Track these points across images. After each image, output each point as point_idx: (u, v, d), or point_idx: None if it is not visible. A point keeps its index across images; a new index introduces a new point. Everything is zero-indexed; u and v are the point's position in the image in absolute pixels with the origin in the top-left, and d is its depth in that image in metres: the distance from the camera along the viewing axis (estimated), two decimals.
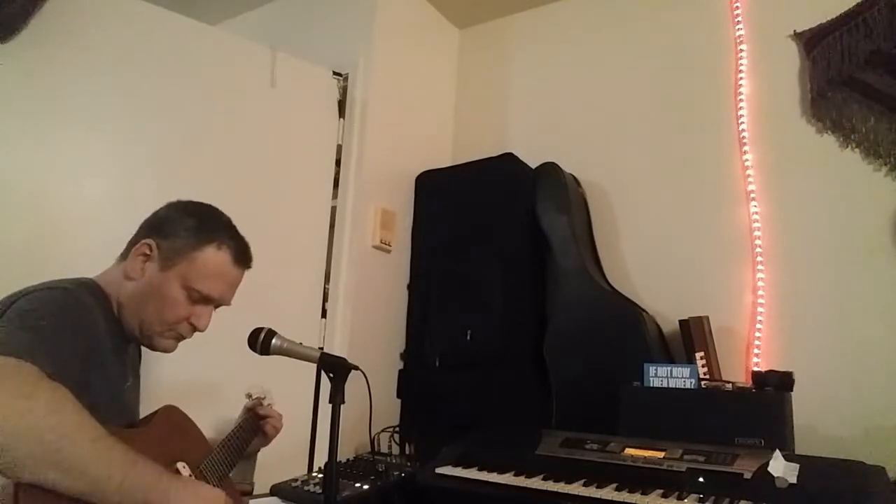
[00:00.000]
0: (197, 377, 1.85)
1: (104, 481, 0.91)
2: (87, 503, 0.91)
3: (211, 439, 1.45)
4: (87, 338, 1.11)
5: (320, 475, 1.75)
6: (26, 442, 0.86)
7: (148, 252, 1.25)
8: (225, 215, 1.36)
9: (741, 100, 2.20)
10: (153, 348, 1.29)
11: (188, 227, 1.27)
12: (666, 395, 1.73)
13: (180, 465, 1.24)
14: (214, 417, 1.61)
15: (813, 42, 2.09)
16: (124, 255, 1.29)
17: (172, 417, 1.34)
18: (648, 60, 2.44)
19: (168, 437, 1.27)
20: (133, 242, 1.29)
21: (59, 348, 1.01)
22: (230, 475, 1.44)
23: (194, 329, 1.30)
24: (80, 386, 0.99)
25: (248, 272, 1.37)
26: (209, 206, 1.35)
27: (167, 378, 1.72)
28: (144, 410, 1.36)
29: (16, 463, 0.86)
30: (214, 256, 1.27)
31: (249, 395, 1.62)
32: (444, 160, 2.71)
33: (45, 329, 1.01)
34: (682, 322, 1.96)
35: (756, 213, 2.10)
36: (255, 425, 1.57)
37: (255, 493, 1.64)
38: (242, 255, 1.33)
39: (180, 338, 1.31)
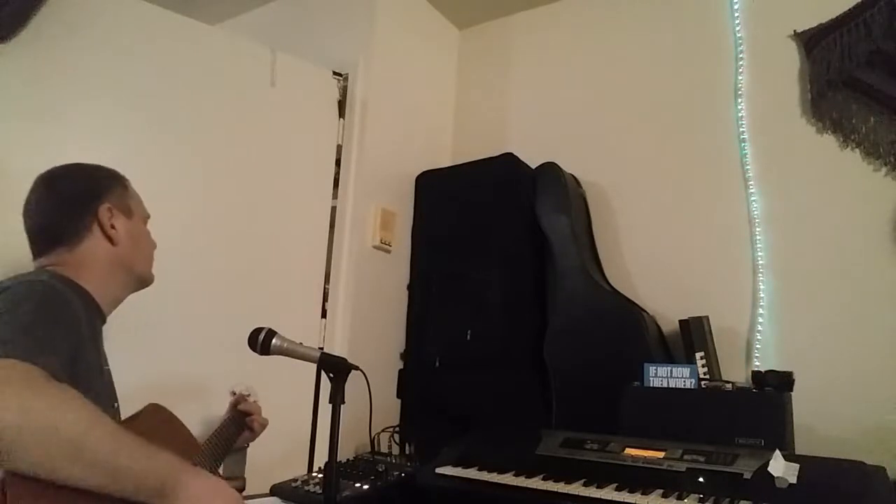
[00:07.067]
0: (198, 377, 1.84)
1: (124, 472, 0.92)
2: (74, 489, 0.90)
3: (200, 435, 1.45)
4: (74, 331, 1.11)
5: (320, 475, 1.74)
6: (47, 441, 0.87)
7: (111, 214, 1.31)
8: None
9: (741, 100, 2.20)
10: (149, 283, 1.39)
11: (100, 178, 1.36)
12: (666, 395, 1.73)
13: None
14: (215, 417, 1.62)
15: (813, 42, 2.09)
16: (49, 246, 1.29)
17: (159, 416, 1.34)
18: (648, 60, 2.44)
19: (154, 434, 1.26)
20: (51, 239, 1.29)
21: (56, 346, 1.01)
22: (220, 470, 1.45)
23: None
24: (74, 379, 1.00)
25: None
26: (75, 164, 1.39)
27: (167, 378, 1.72)
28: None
29: (38, 463, 0.86)
30: (129, 185, 1.40)
31: (233, 392, 1.65)
32: (444, 160, 2.71)
33: (40, 327, 1.01)
34: (682, 322, 1.96)
35: (756, 213, 2.10)
36: (242, 421, 1.60)
37: (254, 492, 1.64)
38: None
39: None
